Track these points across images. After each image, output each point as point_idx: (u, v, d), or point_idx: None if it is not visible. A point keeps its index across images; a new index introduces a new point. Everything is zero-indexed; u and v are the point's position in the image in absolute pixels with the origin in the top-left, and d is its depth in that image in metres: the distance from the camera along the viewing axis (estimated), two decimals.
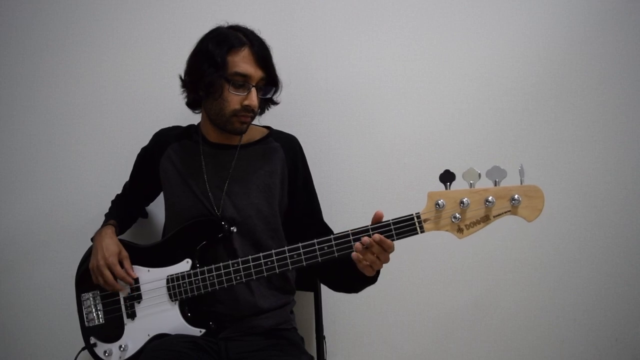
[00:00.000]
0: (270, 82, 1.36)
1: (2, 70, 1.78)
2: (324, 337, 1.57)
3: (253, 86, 1.31)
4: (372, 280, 1.27)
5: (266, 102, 1.42)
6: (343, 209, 1.69)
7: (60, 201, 1.79)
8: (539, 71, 1.66)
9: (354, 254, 1.19)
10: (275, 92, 1.39)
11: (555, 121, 1.67)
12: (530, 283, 1.72)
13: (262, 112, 1.44)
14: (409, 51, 1.68)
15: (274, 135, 1.47)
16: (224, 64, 1.29)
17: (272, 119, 1.51)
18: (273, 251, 1.26)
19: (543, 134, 1.68)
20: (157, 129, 1.54)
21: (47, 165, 1.79)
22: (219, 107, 1.33)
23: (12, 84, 1.78)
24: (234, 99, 1.31)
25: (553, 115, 1.67)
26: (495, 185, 1.11)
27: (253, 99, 1.31)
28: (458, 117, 1.68)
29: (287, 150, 1.43)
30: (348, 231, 1.20)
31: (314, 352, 1.56)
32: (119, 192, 1.64)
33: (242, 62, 1.30)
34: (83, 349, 1.44)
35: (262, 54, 1.32)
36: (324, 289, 1.53)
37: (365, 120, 1.71)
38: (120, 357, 1.37)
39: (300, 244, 1.24)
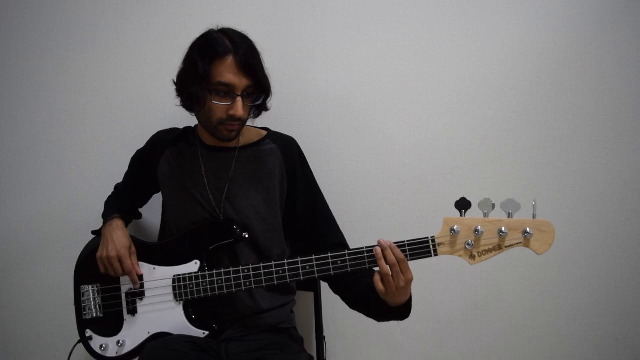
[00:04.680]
0: (258, 89, 1.33)
1: (4, 71, 1.78)
2: (324, 337, 1.57)
3: (238, 95, 1.28)
4: (396, 314, 1.25)
5: (258, 108, 1.39)
6: (343, 208, 1.69)
7: (60, 201, 1.79)
8: (539, 71, 1.66)
9: (376, 249, 1.19)
10: (266, 98, 1.36)
11: (554, 121, 1.67)
12: (530, 283, 1.72)
13: (255, 116, 1.42)
14: (409, 51, 1.68)
15: (271, 136, 1.46)
16: (207, 74, 1.26)
17: (272, 119, 1.51)
18: (285, 261, 1.26)
19: (542, 133, 1.68)
20: (158, 129, 1.54)
21: (47, 165, 1.79)
22: (206, 115, 1.32)
23: (13, 84, 1.78)
24: (219, 109, 1.29)
25: (552, 115, 1.67)
26: (509, 217, 1.15)
27: (238, 108, 1.28)
28: (458, 117, 1.68)
29: (284, 152, 1.43)
30: (363, 247, 1.22)
31: (314, 352, 1.56)
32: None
33: (226, 72, 1.26)
34: (78, 342, 1.42)
35: (247, 61, 1.27)
36: (324, 289, 1.53)
37: (365, 120, 1.71)
38: (117, 353, 1.37)
39: (314, 256, 1.24)
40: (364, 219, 1.73)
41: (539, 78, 1.66)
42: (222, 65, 1.26)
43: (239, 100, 1.28)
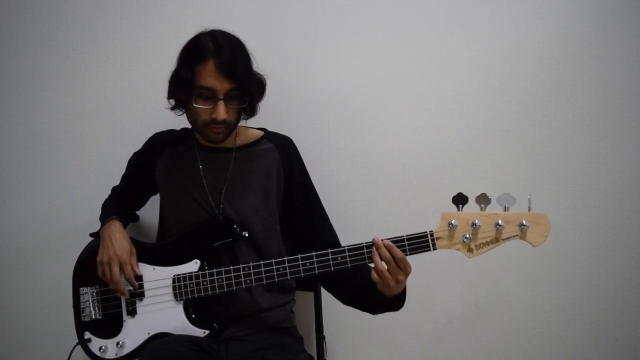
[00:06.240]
0: (243, 92, 1.31)
1: (4, 71, 1.78)
2: (324, 337, 1.57)
3: (220, 99, 1.28)
4: (392, 304, 1.28)
5: (244, 112, 1.38)
6: (343, 208, 1.69)
7: (60, 201, 1.79)
8: (539, 71, 1.66)
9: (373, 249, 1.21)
10: (252, 102, 1.35)
11: (554, 120, 1.67)
12: (530, 283, 1.72)
13: (247, 118, 1.41)
14: (409, 51, 1.68)
15: (268, 136, 1.47)
16: (190, 78, 1.27)
17: (272, 119, 1.51)
18: (286, 258, 1.28)
19: (542, 133, 1.68)
20: (158, 129, 1.54)
21: (47, 165, 1.79)
22: (192, 118, 1.35)
23: (13, 84, 1.78)
24: (202, 112, 1.30)
25: (552, 115, 1.67)
26: (505, 210, 1.17)
27: (219, 112, 1.28)
28: (457, 116, 1.69)
29: (281, 151, 1.43)
30: (362, 243, 1.24)
31: (314, 352, 1.56)
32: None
33: (207, 76, 1.26)
34: (77, 344, 1.42)
35: (229, 65, 1.26)
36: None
37: (364, 120, 1.71)
38: (116, 354, 1.37)
39: (314, 253, 1.26)
40: (364, 219, 1.73)
41: (539, 78, 1.66)
42: (203, 69, 1.27)
43: (221, 103, 1.28)
